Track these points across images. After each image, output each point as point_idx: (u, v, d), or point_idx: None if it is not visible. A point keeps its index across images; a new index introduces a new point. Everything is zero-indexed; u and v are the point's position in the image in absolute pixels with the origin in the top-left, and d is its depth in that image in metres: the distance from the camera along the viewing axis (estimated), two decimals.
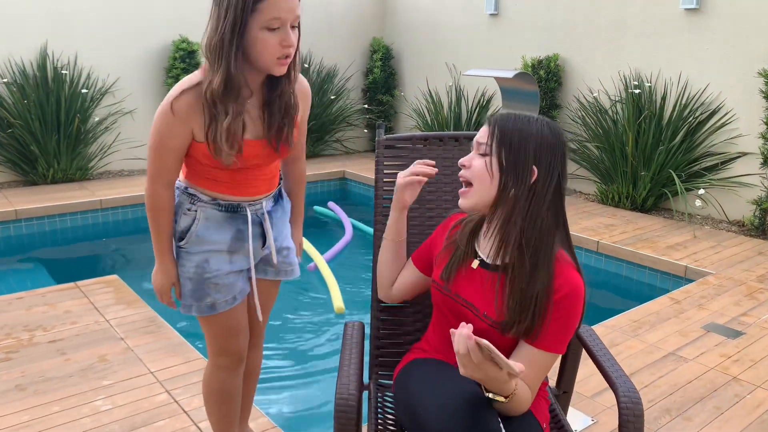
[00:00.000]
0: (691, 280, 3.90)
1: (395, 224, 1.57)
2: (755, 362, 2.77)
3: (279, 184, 1.78)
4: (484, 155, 1.33)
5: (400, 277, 1.61)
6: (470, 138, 1.81)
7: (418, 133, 1.83)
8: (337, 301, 3.66)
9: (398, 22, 7.75)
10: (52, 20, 5.72)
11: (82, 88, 5.79)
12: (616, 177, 5.39)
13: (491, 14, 6.61)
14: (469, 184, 1.35)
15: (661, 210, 5.34)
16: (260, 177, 1.65)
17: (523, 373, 1.14)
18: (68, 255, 4.65)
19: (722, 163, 5.01)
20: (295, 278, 1.88)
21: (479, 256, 1.40)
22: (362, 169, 6.79)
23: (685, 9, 5.07)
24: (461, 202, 1.37)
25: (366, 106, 7.75)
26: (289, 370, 3.01)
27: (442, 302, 1.44)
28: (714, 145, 5.04)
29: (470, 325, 1.13)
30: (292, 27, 1.44)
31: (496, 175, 1.31)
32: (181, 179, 1.66)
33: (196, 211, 1.62)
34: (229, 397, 1.83)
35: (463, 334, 1.10)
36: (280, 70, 1.47)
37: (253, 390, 2.02)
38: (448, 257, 1.45)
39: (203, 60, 1.52)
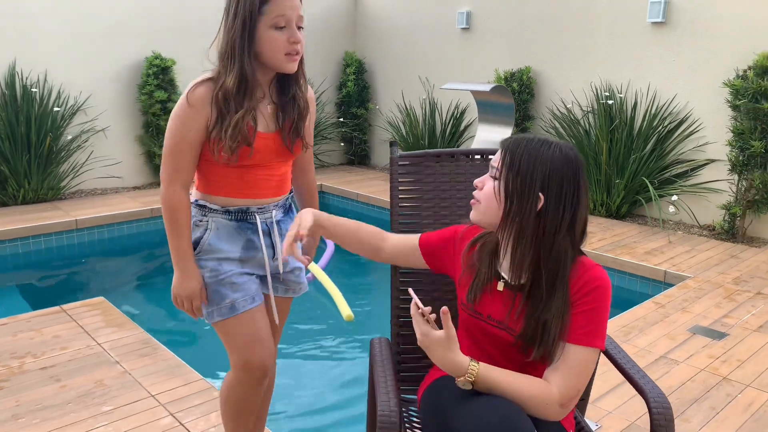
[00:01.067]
0: (670, 284, 4.03)
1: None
2: (742, 362, 2.88)
3: (289, 193, 1.81)
4: (495, 179, 1.36)
5: (398, 243, 1.61)
6: (481, 154, 1.85)
7: (431, 150, 1.86)
8: (345, 309, 3.68)
9: (370, 36, 7.82)
10: (21, 38, 5.58)
11: (53, 106, 5.66)
12: (590, 185, 5.54)
13: (463, 28, 6.74)
14: (479, 201, 1.39)
15: (636, 216, 5.51)
16: (269, 178, 1.69)
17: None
18: (46, 278, 4.52)
19: (692, 169, 5.20)
20: (303, 293, 1.91)
21: (503, 278, 1.41)
22: (339, 182, 6.80)
23: (652, 23, 5.26)
24: (471, 213, 1.41)
25: (341, 119, 7.78)
26: (303, 382, 2.99)
27: (473, 325, 1.45)
28: (683, 152, 5.23)
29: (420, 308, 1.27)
30: (298, 27, 1.56)
31: (502, 200, 1.34)
32: (193, 192, 1.71)
33: (207, 221, 1.68)
34: (248, 412, 1.82)
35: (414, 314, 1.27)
36: (291, 67, 1.58)
37: (267, 404, 2.02)
38: (471, 279, 1.46)
39: (208, 66, 1.61)
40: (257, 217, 1.70)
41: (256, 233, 1.71)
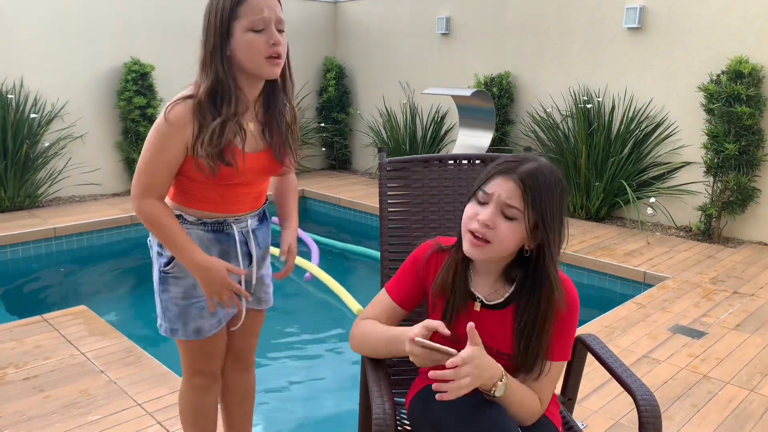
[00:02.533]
0: (649, 285, 4.11)
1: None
2: (721, 360, 2.95)
3: (264, 203, 1.79)
4: (511, 219, 1.29)
5: (383, 315, 1.50)
6: (469, 160, 1.88)
7: (419, 155, 1.88)
8: (354, 303, 3.73)
9: (350, 42, 7.84)
10: None
11: (29, 112, 5.58)
12: (570, 188, 5.61)
13: (443, 33, 6.79)
14: (486, 240, 1.31)
15: (614, 219, 5.60)
16: (249, 194, 1.67)
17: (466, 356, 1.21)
18: (25, 287, 4.45)
19: (668, 172, 5.31)
20: (269, 307, 1.88)
21: (478, 298, 1.41)
22: (321, 187, 6.80)
23: (628, 28, 5.37)
24: (473, 252, 1.33)
25: (322, 124, 7.78)
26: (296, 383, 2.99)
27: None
28: (660, 155, 5.33)
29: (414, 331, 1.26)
30: (279, 31, 1.49)
31: (525, 237, 1.30)
32: (167, 201, 1.65)
33: None
34: (204, 415, 1.84)
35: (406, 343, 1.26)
36: (273, 72, 1.50)
37: (250, 412, 2.01)
38: (443, 304, 1.42)
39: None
40: (234, 227, 1.67)
41: (232, 244, 1.67)
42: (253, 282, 1.76)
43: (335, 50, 8.01)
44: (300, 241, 5.40)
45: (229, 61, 1.49)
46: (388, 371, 1.77)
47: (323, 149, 7.96)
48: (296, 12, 7.48)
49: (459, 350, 1.25)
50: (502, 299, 1.39)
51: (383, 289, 1.54)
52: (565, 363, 1.41)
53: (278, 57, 1.49)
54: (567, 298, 1.37)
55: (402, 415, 1.69)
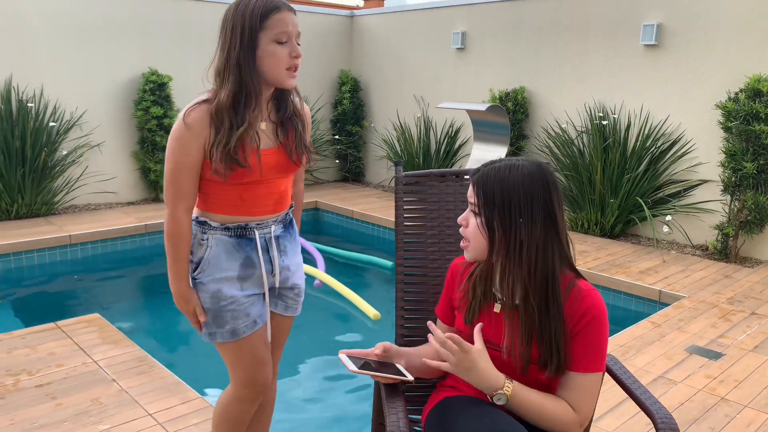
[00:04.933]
0: (665, 304, 4.05)
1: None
2: (739, 382, 2.90)
3: (289, 208, 1.81)
4: (476, 214, 1.38)
5: (427, 347, 1.55)
6: None
7: (435, 170, 1.88)
8: (370, 309, 3.71)
9: (366, 55, 7.89)
10: (17, 53, 5.59)
11: (48, 121, 5.66)
12: (584, 204, 5.57)
13: (458, 48, 6.81)
14: (468, 240, 1.41)
15: (629, 236, 5.54)
16: (269, 196, 1.70)
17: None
18: (40, 294, 4.47)
19: (684, 190, 5.26)
20: (296, 315, 1.91)
21: (499, 299, 1.43)
22: (335, 199, 6.81)
23: (645, 45, 5.35)
24: (465, 254, 1.43)
25: (336, 136, 7.81)
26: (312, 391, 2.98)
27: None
28: (676, 173, 5.29)
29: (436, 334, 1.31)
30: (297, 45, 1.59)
31: (486, 234, 1.36)
32: (194, 210, 1.71)
33: (207, 238, 1.68)
34: (242, 426, 1.85)
35: (434, 345, 1.31)
36: (291, 82, 1.61)
37: (268, 422, 2.01)
38: (467, 305, 1.48)
39: (208, 85, 1.62)
40: (256, 232, 1.70)
41: (255, 249, 1.71)
42: (277, 286, 1.78)
43: (350, 63, 8.05)
44: (303, 250, 5.40)
45: (253, 68, 1.56)
46: (402, 387, 1.76)
47: (337, 161, 7.98)
48: (312, 25, 7.54)
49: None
50: (518, 301, 1.38)
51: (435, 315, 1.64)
52: (599, 375, 1.37)
53: (296, 69, 1.59)
54: (581, 306, 1.35)
55: (417, 431, 1.67)
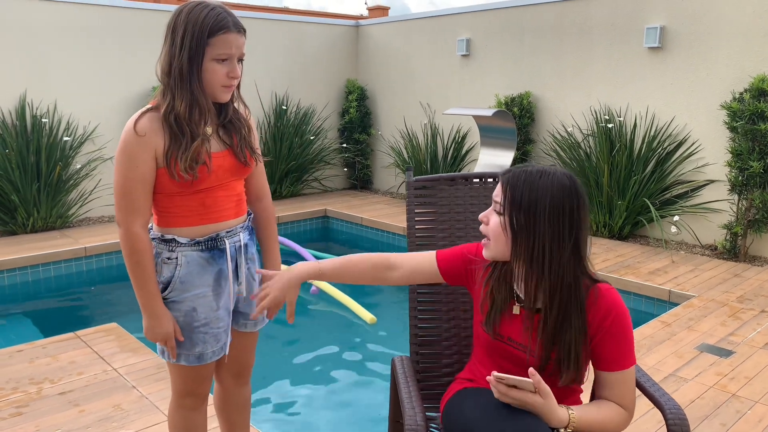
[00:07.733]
0: (675, 304, 4.08)
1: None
2: (750, 379, 2.92)
3: (248, 214, 1.83)
4: (499, 213, 1.39)
5: (413, 263, 1.59)
6: (494, 177, 1.92)
7: (445, 174, 1.94)
8: (365, 313, 3.75)
9: (372, 64, 7.97)
10: (31, 69, 5.71)
11: (62, 135, 5.77)
12: (592, 207, 5.61)
13: (463, 55, 6.88)
14: (488, 239, 1.43)
15: (638, 237, 5.57)
16: (228, 198, 1.71)
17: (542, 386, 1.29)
18: (58, 305, 4.56)
19: (692, 190, 5.29)
20: (263, 325, 1.93)
21: (520, 300, 1.46)
22: (343, 207, 6.88)
23: (649, 48, 5.40)
24: (483, 252, 1.45)
25: (343, 145, 7.89)
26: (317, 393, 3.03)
27: (493, 348, 1.50)
28: (683, 173, 5.32)
29: (493, 373, 1.31)
30: (239, 60, 1.62)
31: (509, 235, 1.37)
32: (154, 228, 1.70)
33: (176, 257, 1.66)
34: (195, 430, 1.86)
35: (491, 382, 1.31)
36: (225, 97, 1.63)
37: (248, 420, 2.06)
38: (489, 305, 1.50)
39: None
40: (226, 242, 1.71)
41: (226, 261, 1.71)
42: (243, 296, 1.79)
43: (357, 72, 8.14)
44: (296, 254, 5.44)
45: (199, 81, 1.58)
46: (418, 385, 1.81)
47: (345, 169, 8.06)
48: (318, 35, 7.64)
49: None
50: (539, 305, 1.41)
51: (434, 251, 1.61)
52: (634, 367, 1.41)
53: (231, 87, 1.63)
54: (603, 308, 1.39)
55: (433, 428, 1.72)
